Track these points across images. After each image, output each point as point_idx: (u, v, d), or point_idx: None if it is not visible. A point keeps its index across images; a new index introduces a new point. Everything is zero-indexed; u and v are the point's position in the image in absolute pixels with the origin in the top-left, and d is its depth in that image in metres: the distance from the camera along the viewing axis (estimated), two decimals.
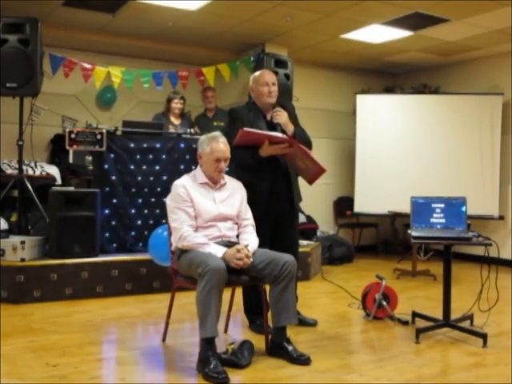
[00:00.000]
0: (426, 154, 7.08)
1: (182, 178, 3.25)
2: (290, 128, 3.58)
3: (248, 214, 3.31)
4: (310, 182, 3.65)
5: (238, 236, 3.25)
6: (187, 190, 3.14)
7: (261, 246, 3.23)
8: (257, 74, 3.74)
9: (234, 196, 3.28)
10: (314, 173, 3.58)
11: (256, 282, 3.15)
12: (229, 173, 3.43)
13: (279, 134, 3.45)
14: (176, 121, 5.90)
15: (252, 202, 3.37)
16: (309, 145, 3.65)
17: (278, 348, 3.05)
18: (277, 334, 3.08)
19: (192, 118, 7.06)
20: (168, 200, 3.20)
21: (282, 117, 3.56)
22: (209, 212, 3.14)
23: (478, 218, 6.42)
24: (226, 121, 6.09)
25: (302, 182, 3.79)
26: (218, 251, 2.98)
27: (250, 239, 3.17)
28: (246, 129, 3.35)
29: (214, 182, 3.24)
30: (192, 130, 5.67)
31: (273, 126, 3.57)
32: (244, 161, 3.51)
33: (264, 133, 3.45)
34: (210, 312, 2.77)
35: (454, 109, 7.08)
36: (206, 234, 3.11)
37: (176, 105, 5.88)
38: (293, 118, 3.69)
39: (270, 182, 3.55)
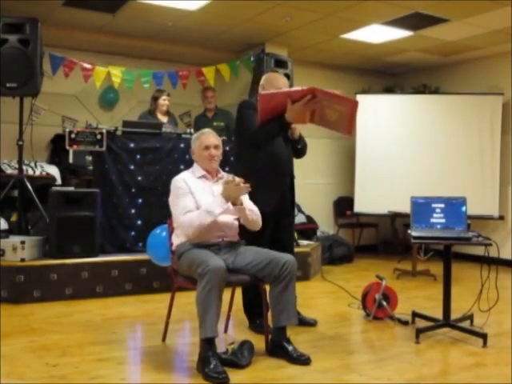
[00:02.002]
0: (426, 153, 7.08)
1: (181, 174, 3.29)
2: (297, 132, 3.64)
3: (253, 205, 3.27)
4: (349, 130, 3.33)
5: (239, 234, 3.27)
6: (187, 183, 3.16)
7: (261, 245, 3.24)
8: (271, 75, 3.71)
9: None
10: (349, 115, 3.24)
11: (256, 282, 3.15)
12: (230, 171, 3.43)
13: (298, 88, 3.29)
14: (163, 118, 5.88)
15: (258, 201, 3.36)
16: (305, 149, 3.73)
17: (278, 348, 3.05)
18: (277, 334, 3.08)
19: (192, 117, 7.07)
20: (170, 198, 3.22)
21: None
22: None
23: (478, 217, 6.43)
24: (226, 121, 6.17)
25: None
26: (216, 203, 3.02)
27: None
28: (264, 92, 3.29)
29: (211, 175, 3.27)
30: (192, 130, 5.67)
31: (282, 125, 3.50)
32: (271, 133, 3.39)
33: (283, 91, 3.37)
34: (209, 312, 2.77)
35: (454, 109, 7.08)
36: (206, 234, 3.11)
37: (164, 101, 5.87)
38: None
39: (273, 181, 3.56)
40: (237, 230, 3.27)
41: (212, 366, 2.71)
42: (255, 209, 3.23)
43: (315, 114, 3.29)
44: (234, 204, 3.09)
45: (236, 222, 3.26)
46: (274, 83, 3.59)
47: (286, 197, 3.68)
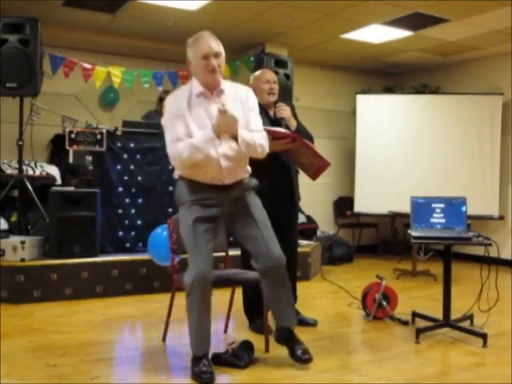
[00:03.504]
0: (426, 153, 7.08)
1: (178, 90, 2.91)
2: (294, 123, 3.60)
3: (258, 124, 2.89)
4: (314, 177, 3.63)
5: None
6: (180, 103, 2.79)
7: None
8: (257, 72, 3.78)
9: (235, 105, 2.85)
10: (317, 168, 3.55)
11: (256, 282, 3.14)
12: None
13: (282, 130, 3.43)
14: None
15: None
16: (311, 140, 3.67)
17: (286, 340, 2.99)
18: (283, 332, 3.01)
19: None
20: (162, 120, 2.92)
21: (285, 111, 3.57)
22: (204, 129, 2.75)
23: (478, 217, 6.43)
24: None
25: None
26: (206, 139, 2.70)
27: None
28: None
29: (211, 89, 2.84)
30: None
31: (276, 121, 3.56)
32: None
33: (267, 128, 3.45)
34: (192, 328, 2.76)
35: (454, 109, 7.09)
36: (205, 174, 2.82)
37: None
38: (294, 116, 3.69)
39: (271, 180, 3.55)
40: (244, 163, 2.93)
41: (201, 365, 2.70)
42: (256, 137, 2.83)
43: (289, 152, 3.50)
44: (233, 138, 2.73)
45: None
46: (263, 78, 3.65)
47: (283, 195, 3.61)
